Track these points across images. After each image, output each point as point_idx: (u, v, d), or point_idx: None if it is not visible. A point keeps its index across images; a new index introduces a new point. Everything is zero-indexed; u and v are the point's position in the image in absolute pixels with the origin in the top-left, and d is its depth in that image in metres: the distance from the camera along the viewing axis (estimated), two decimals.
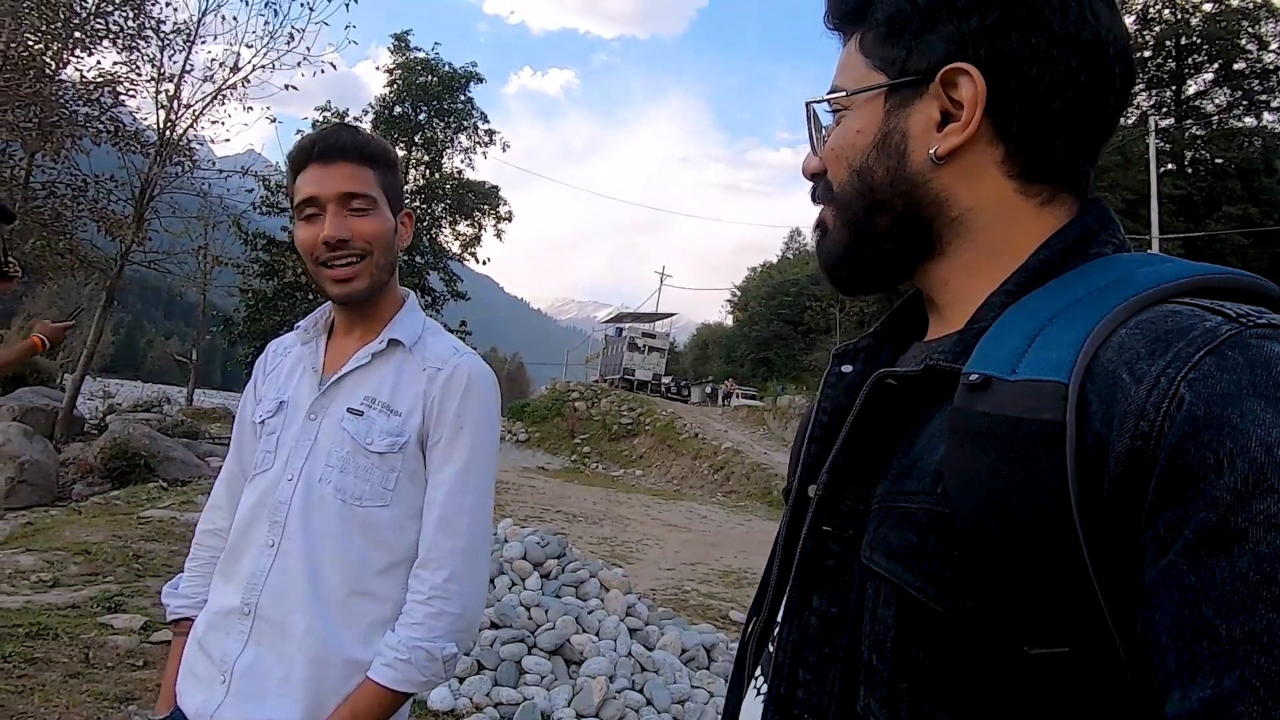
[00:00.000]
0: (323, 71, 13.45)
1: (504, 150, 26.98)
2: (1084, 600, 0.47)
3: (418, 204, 25.28)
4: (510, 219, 26.67)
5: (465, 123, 26.03)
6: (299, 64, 13.22)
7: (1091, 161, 0.64)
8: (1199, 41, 31.81)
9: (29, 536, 5.90)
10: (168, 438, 11.22)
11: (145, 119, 13.35)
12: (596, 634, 4.40)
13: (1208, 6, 31.78)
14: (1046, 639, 0.48)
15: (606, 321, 50.26)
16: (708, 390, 37.56)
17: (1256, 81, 31.47)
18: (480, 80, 26.41)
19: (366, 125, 25.08)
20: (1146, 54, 31.26)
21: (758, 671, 0.72)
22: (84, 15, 12.03)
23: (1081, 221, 0.63)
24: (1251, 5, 30.66)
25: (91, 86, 12.30)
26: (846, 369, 0.72)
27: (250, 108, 13.77)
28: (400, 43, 26.09)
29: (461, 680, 3.87)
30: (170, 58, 12.85)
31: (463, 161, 26.15)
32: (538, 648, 4.17)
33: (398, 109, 25.50)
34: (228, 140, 13.74)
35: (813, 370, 38.87)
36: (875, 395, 0.62)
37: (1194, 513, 0.43)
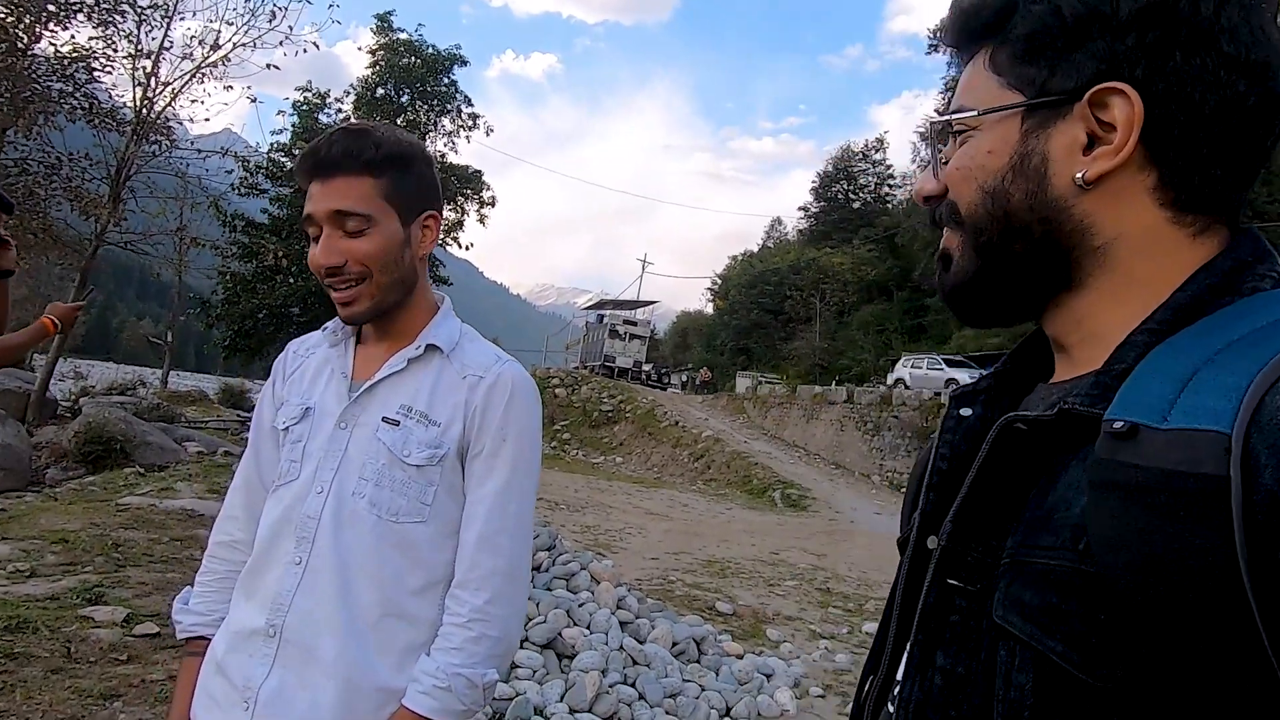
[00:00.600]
0: (304, 51, 13.24)
1: (488, 134, 26.69)
2: (1259, 674, 0.43)
3: None
4: (494, 204, 26.44)
5: (449, 106, 25.72)
6: (280, 43, 13.01)
7: (1247, 191, 0.60)
8: None
9: (3, 524, 5.76)
10: (144, 422, 11.04)
11: (121, 96, 13.07)
12: (588, 627, 4.38)
13: None
14: (1214, 716, 0.44)
15: (587, 308, 50.12)
16: (683, 378, 37.65)
17: None
18: (464, 63, 26.08)
19: (348, 107, 24.74)
20: None
21: None
22: None
23: (1233, 254, 0.58)
24: None
25: (65, 62, 11.99)
26: (965, 412, 0.68)
27: (230, 87, 13.47)
28: (383, 23, 25.67)
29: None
30: (148, 33, 12.58)
31: (446, 145, 25.83)
32: (530, 642, 4.14)
33: (380, 91, 25.12)
34: (207, 120, 13.49)
35: (791, 359, 39.06)
36: (1003, 441, 0.58)
37: None
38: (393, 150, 1.21)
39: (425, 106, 25.57)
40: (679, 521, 12.03)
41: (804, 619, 6.74)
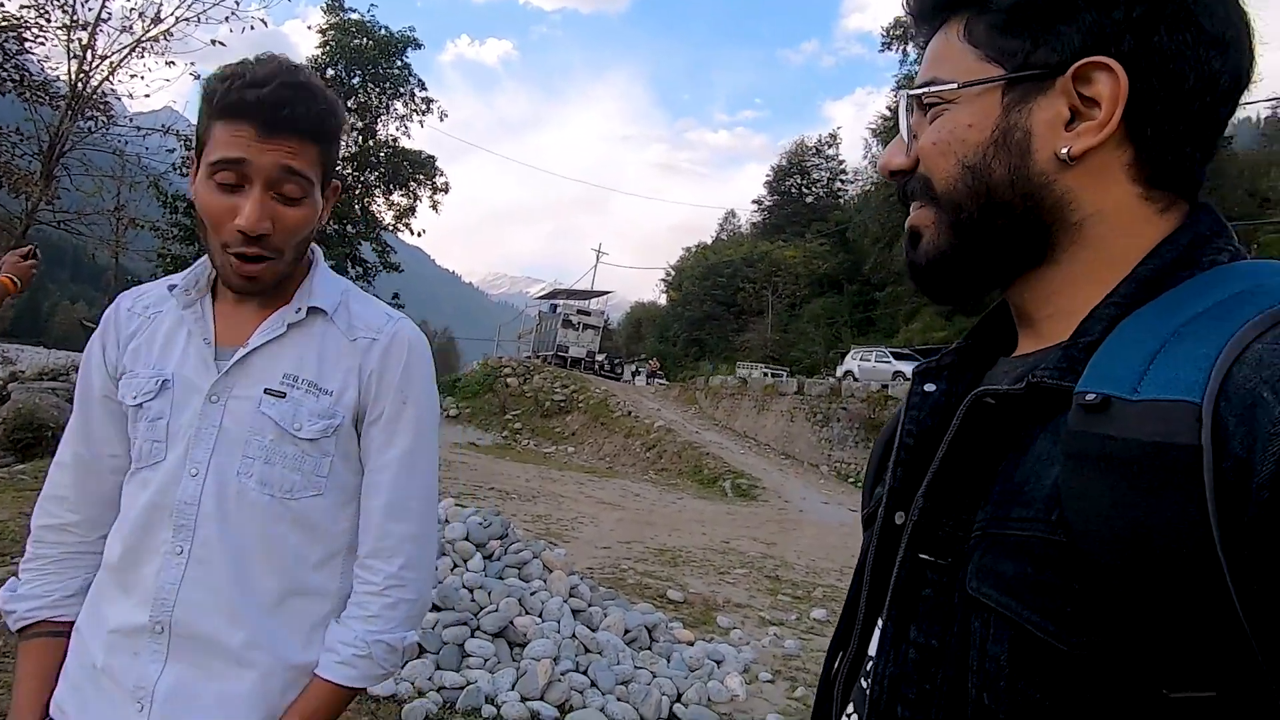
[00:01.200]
0: (251, 28, 12.82)
1: (441, 119, 26.29)
2: (1232, 639, 0.44)
3: (349, 171, 24.45)
4: (447, 190, 26.04)
5: (401, 89, 25.25)
6: (226, 19, 12.57)
7: (1206, 166, 0.61)
8: None
9: None
10: None
11: (55, 69, 12.51)
12: (540, 615, 4.37)
13: None
14: (1190, 682, 0.45)
15: (541, 297, 49.76)
16: (633, 369, 37.64)
17: None
18: (418, 46, 25.62)
19: None
20: None
21: (849, 709, 0.69)
22: None
23: (1193, 228, 0.60)
24: None
25: None
26: (930, 388, 0.68)
27: (172, 63, 12.98)
28: (334, 2, 25.06)
29: (402, 665, 3.79)
30: (84, 4, 12.05)
31: (398, 129, 25.39)
32: (481, 630, 4.11)
33: (330, 71, 24.52)
34: (147, 96, 12.99)
35: (743, 351, 39.39)
36: (973, 415, 0.59)
37: None
38: (336, 119, 1.13)
39: (377, 89, 25.07)
40: (631, 511, 12.06)
41: (753, 606, 6.82)
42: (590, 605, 4.74)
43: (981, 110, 0.62)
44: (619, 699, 3.91)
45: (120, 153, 13.75)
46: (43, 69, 12.50)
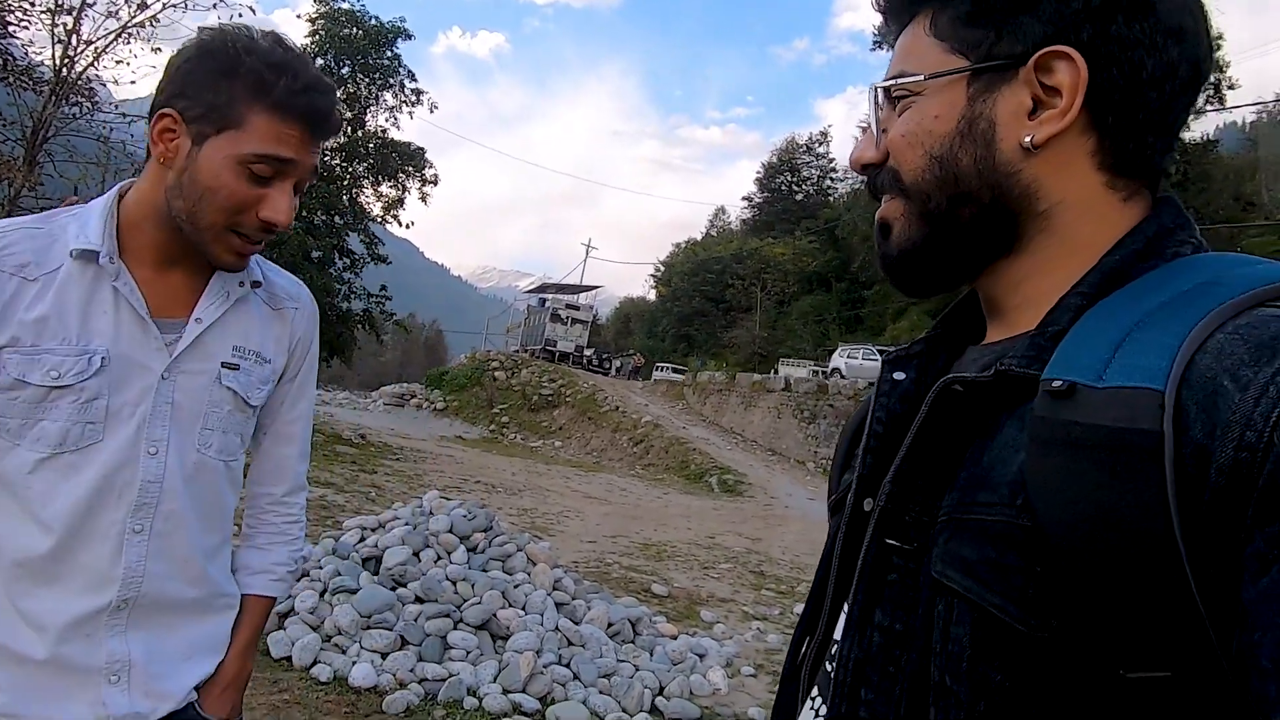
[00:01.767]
0: (239, 15, 12.69)
1: (432, 111, 26.10)
2: (1187, 621, 0.45)
3: (338, 162, 24.28)
4: (436, 182, 25.89)
5: (391, 80, 25.04)
6: (214, 6, 12.44)
7: (1167, 157, 0.62)
8: None
9: None
10: None
11: (39, 53, 12.37)
12: (523, 608, 4.37)
13: None
14: (1146, 662, 0.46)
15: (529, 291, 49.65)
16: (617, 364, 37.60)
17: None
18: (409, 37, 25.40)
19: None
20: None
21: (814, 692, 0.69)
22: None
23: (1157, 220, 0.61)
24: None
25: None
26: (899, 376, 0.69)
27: (159, 49, 12.84)
28: None
29: (385, 656, 3.79)
30: None
31: (388, 120, 25.17)
32: (464, 623, 4.11)
33: (319, 61, 24.30)
34: (133, 83, 12.85)
35: (732, 347, 39.47)
36: (941, 402, 0.59)
37: None
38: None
39: (366, 80, 24.86)
40: (617, 505, 12.07)
41: (737, 601, 6.85)
42: (574, 599, 4.74)
43: (947, 102, 0.62)
44: (601, 692, 3.92)
45: (105, 140, 13.60)
46: (26, 53, 12.36)
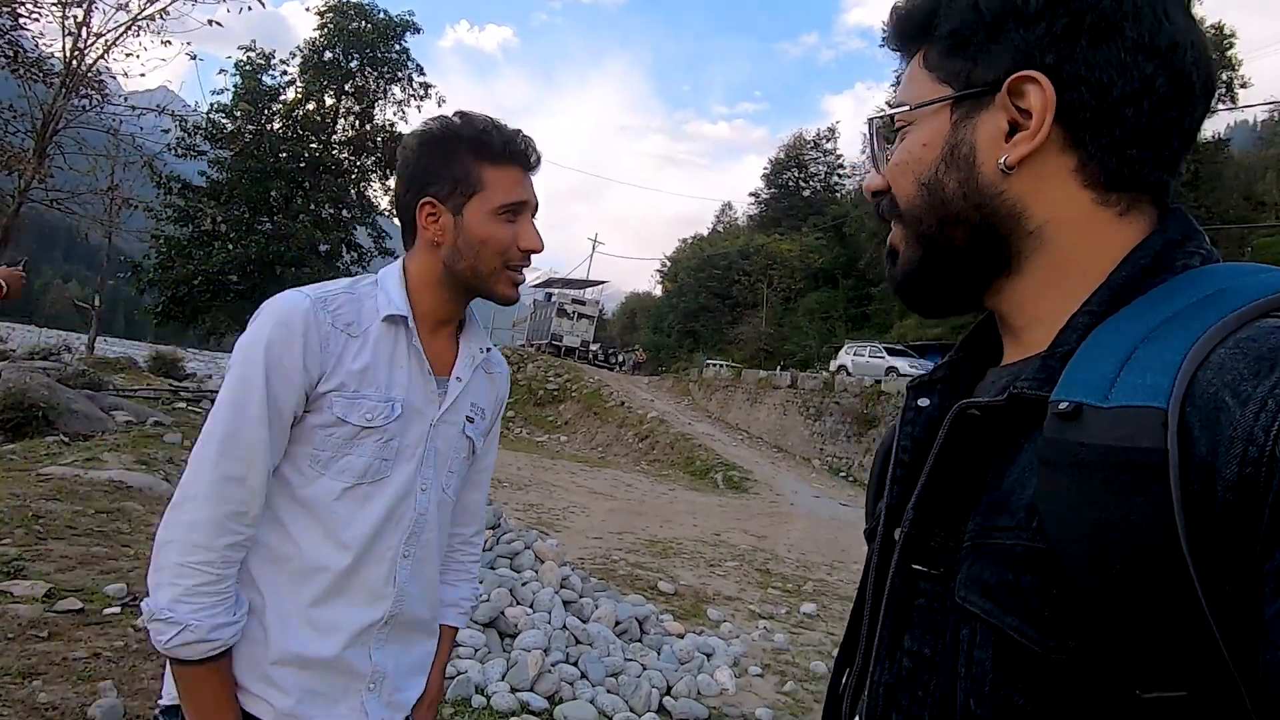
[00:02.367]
0: (249, 9, 12.74)
1: (439, 105, 26.09)
2: (1201, 640, 0.45)
3: (345, 155, 24.28)
4: None
5: (399, 74, 25.05)
6: None
7: (1172, 172, 0.63)
8: None
9: None
10: (68, 389, 10.57)
11: (50, 46, 12.40)
12: (531, 606, 4.37)
13: None
14: (1161, 682, 0.46)
15: (535, 286, 49.69)
16: (619, 359, 37.61)
17: None
18: (417, 30, 25.42)
19: (294, 70, 23.92)
20: None
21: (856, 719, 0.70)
22: None
23: (1164, 234, 0.61)
24: None
25: None
26: (924, 403, 0.70)
27: (168, 42, 12.90)
28: None
29: None
30: None
31: (396, 114, 25.19)
32: (472, 620, 4.11)
33: (328, 54, 24.32)
34: (142, 75, 12.97)
35: (737, 343, 39.43)
36: (958, 427, 0.60)
37: None
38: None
39: (375, 73, 24.88)
40: (622, 501, 12.08)
41: (744, 599, 6.84)
42: (581, 597, 4.74)
43: (934, 129, 0.65)
44: (609, 691, 3.92)
45: (114, 132, 13.65)
46: (37, 46, 12.39)
